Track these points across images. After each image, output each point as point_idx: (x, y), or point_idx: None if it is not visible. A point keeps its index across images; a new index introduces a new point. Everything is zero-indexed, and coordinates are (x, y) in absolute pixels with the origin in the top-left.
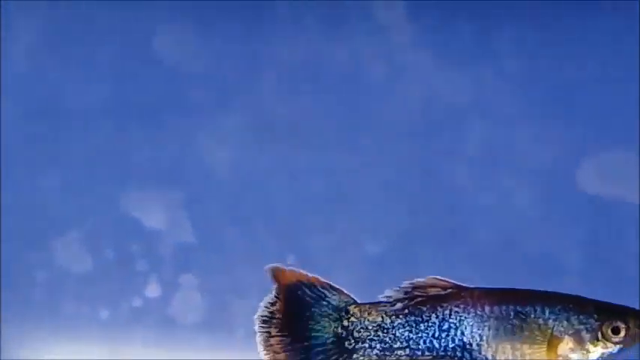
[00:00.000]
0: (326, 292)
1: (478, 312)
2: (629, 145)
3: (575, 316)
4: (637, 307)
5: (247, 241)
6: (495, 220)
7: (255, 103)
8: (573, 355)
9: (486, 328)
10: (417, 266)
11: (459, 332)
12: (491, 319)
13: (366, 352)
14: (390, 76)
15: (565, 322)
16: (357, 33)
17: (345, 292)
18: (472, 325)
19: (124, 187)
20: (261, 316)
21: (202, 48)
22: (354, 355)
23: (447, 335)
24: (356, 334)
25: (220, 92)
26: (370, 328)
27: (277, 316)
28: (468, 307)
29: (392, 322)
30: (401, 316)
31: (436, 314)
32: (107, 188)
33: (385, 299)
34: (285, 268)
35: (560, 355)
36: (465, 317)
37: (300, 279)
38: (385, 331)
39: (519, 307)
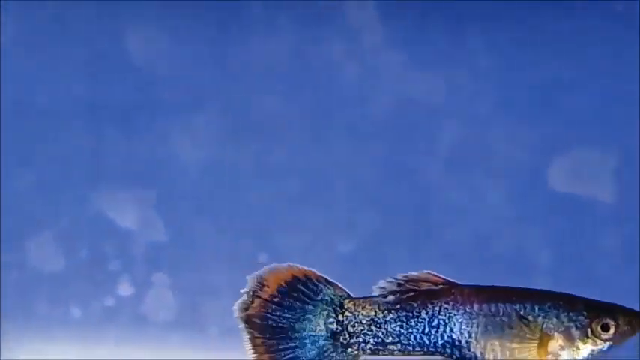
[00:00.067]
0: (321, 285)
1: (467, 309)
2: (600, 144)
3: (565, 314)
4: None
5: (219, 240)
6: (467, 219)
7: (227, 103)
8: (563, 353)
9: (475, 325)
10: (389, 265)
11: (448, 329)
12: (480, 317)
13: (360, 347)
14: (363, 77)
15: (555, 320)
16: (329, 34)
17: (340, 285)
18: (461, 322)
19: (96, 187)
20: (245, 315)
21: (175, 48)
22: (349, 350)
23: (437, 332)
24: (350, 329)
25: (192, 92)
26: (364, 322)
27: (260, 316)
28: (457, 304)
29: (384, 316)
30: (393, 311)
31: (426, 310)
32: (80, 188)
33: (379, 290)
34: (279, 265)
35: (550, 353)
36: (455, 314)
37: (295, 274)
38: (378, 325)
39: (509, 304)
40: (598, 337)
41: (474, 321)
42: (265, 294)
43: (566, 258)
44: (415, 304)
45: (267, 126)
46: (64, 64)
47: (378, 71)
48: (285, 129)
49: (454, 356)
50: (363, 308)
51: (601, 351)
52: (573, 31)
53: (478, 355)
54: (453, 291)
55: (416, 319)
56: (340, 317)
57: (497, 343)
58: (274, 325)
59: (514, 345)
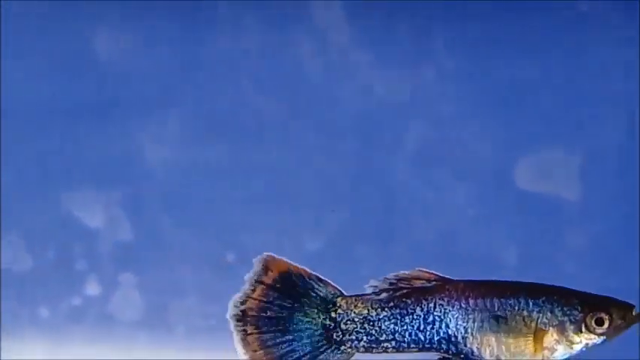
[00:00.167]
0: (313, 283)
1: (462, 304)
2: (566, 143)
3: (559, 308)
4: None
5: (186, 239)
6: (434, 217)
7: (193, 102)
8: (558, 347)
9: (471, 321)
10: (356, 264)
11: (443, 325)
12: (476, 312)
13: (353, 344)
14: (330, 76)
15: (549, 314)
16: (295, 33)
17: (332, 284)
18: (457, 318)
19: (63, 187)
20: (239, 311)
21: (140, 48)
22: (342, 347)
23: (432, 328)
24: (343, 326)
25: (159, 91)
26: (357, 320)
27: (259, 308)
28: (452, 300)
29: (377, 314)
30: (386, 309)
31: (421, 307)
32: (46, 188)
33: (371, 289)
34: (276, 256)
35: (545, 347)
36: (450, 310)
37: (291, 269)
38: (371, 323)
39: (503, 299)
40: (592, 331)
41: (470, 316)
42: (269, 279)
43: (533, 256)
44: (409, 301)
45: (233, 125)
46: (30, 63)
47: (345, 71)
48: (251, 128)
49: (450, 352)
50: (355, 307)
51: (595, 345)
52: (538, 31)
53: (474, 350)
54: (447, 287)
55: (411, 316)
56: (333, 315)
57: (492, 338)
58: (273, 315)
59: (509, 340)
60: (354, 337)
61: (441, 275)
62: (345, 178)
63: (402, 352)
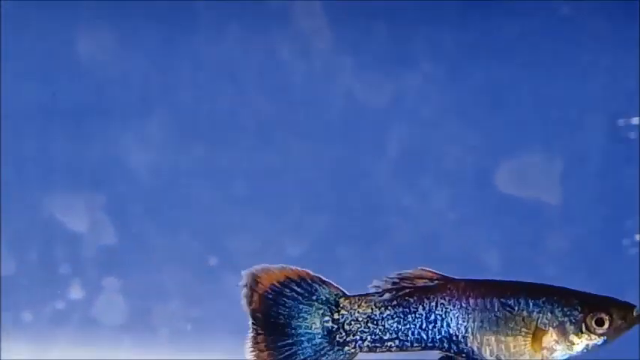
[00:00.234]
0: (316, 285)
1: (463, 304)
2: (547, 147)
3: (560, 308)
4: None
5: (169, 242)
6: (416, 220)
7: (176, 106)
8: (558, 347)
9: (471, 321)
10: (339, 267)
11: (444, 324)
12: (476, 312)
13: (357, 345)
14: (311, 80)
15: (549, 315)
16: (277, 37)
17: (335, 284)
18: (457, 317)
19: (46, 190)
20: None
21: (123, 51)
22: (346, 348)
23: (434, 327)
24: (347, 327)
25: (141, 95)
26: (361, 320)
27: (262, 308)
28: (454, 300)
29: (381, 313)
30: (390, 308)
31: (423, 306)
32: (29, 191)
33: (374, 289)
34: (271, 266)
35: (545, 347)
36: (451, 309)
37: (289, 275)
38: (375, 322)
39: (504, 299)
40: (593, 332)
41: (470, 316)
42: (260, 290)
43: (515, 259)
44: (412, 300)
45: (216, 129)
46: (12, 65)
47: (326, 75)
48: (234, 132)
49: (452, 351)
50: (359, 306)
51: (596, 345)
52: (520, 34)
53: (475, 349)
54: (449, 286)
55: (413, 315)
56: (336, 316)
57: (492, 338)
58: (272, 321)
59: (509, 340)
60: (357, 337)
61: (444, 274)
62: (327, 181)
63: (405, 350)
